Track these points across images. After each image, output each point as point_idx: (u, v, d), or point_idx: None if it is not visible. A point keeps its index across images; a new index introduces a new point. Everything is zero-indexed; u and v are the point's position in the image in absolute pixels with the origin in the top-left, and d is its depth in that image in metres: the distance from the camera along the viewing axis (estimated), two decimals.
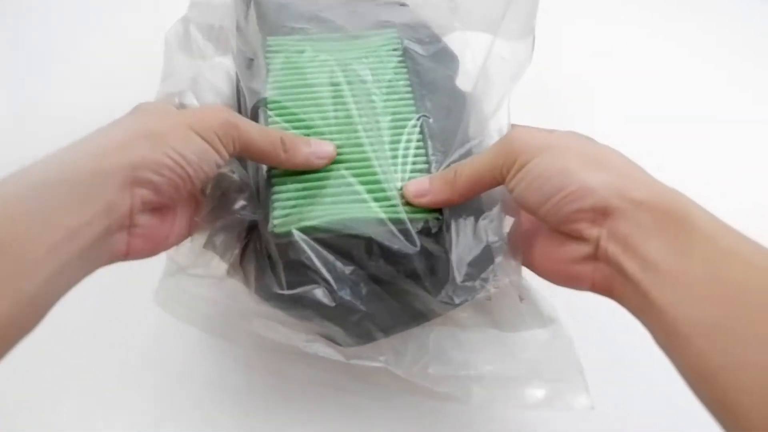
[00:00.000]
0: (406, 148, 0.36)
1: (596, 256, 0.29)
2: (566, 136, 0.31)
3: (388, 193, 0.34)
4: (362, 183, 0.35)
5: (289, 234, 0.32)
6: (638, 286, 0.27)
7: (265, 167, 0.35)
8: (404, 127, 0.37)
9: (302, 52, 0.40)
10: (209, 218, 0.34)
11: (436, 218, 0.33)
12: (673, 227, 0.26)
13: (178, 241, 0.34)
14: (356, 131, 0.37)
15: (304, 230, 0.32)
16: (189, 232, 0.34)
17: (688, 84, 0.61)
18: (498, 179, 0.31)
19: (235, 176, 0.35)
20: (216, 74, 0.41)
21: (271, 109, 0.37)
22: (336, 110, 0.37)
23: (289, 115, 0.37)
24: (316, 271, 0.32)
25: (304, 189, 0.35)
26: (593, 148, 0.30)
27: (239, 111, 0.39)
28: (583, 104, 0.57)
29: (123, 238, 0.30)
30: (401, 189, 0.34)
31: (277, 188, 0.35)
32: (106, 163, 0.27)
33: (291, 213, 0.34)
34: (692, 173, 0.44)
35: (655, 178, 0.28)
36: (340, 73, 0.39)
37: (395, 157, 0.36)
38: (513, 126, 0.37)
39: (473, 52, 0.41)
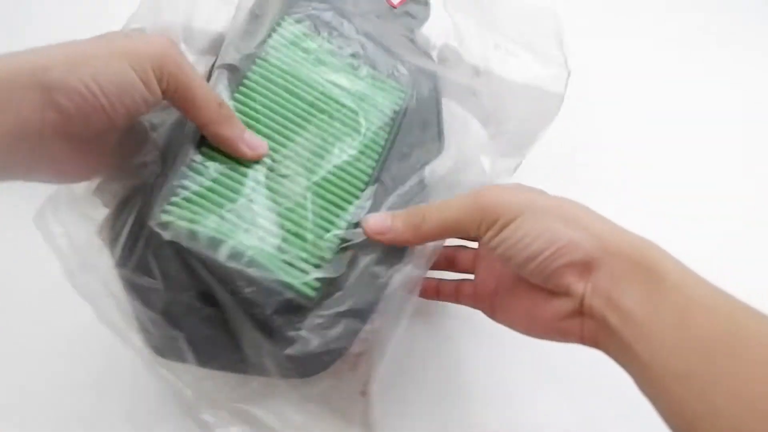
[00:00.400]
0: (343, 212, 0.35)
1: (582, 311, 0.29)
2: (541, 195, 0.31)
3: (293, 248, 0.32)
4: (279, 218, 0.33)
5: (167, 227, 0.31)
6: (621, 338, 0.27)
7: (192, 147, 0.32)
8: (356, 191, 0.35)
9: (305, 53, 0.38)
10: (113, 163, 0.32)
11: (316, 290, 0.32)
12: (645, 277, 0.27)
13: (87, 178, 0.32)
14: (307, 170, 0.34)
15: (185, 234, 0.31)
16: (98, 172, 0.32)
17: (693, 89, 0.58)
18: (469, 234, 0.32)
19: (152, 132, 0.33)
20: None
21: (238, 86, 0.35)
22: (298, 134, 0.35)
23: (250, 107, 0.35)
24: (165, 278, 0.31)
25: (214, 189, 0.32)
26: (567, 206, 0.30)
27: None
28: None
29: (32, 157, 0.28)
30: (310, 249, 0.33)
31: (191, 173, 0.32)
32: (25, 78, 0.26)
33: (186, 207, 0.31)
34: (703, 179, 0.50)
35: (625, 228, 0.29)
36: (326, 100, 0.37)
37: (329, 219, 0.34)
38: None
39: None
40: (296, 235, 0.33)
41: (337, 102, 0.37)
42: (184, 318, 0.31)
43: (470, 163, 0.38)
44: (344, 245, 0.34)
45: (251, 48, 0.36)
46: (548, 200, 0.31)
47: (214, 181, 0.33)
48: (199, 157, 0.33)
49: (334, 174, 0.35)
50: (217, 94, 0.32)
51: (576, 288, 0.29)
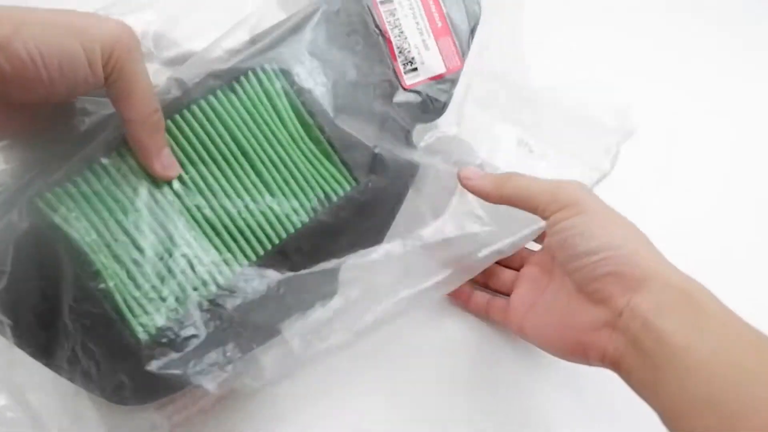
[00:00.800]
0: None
1: (614, 325, 0.29)
2: (617, 214, 0.32)
3: (153, 287, 0.31)
4: (156, 252, 0.31)
5: (36, 212, 0.30)
6: (652, 359, 0.27)
7: (104, 147, 0.31)
8: (250, 255, 0.34)
9: (270, 103, 0.35)
10: (30, 128, 0.31)
11: (150, 336, 0.31)
12: (690, 309, 0.27)
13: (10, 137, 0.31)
14: (208, 215, 0.33)
15: (48, 226, 0.30)
16: (14, 134, 0.31)
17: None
18: (538, 209, 0.33)
19: (79, 115, 0.32)
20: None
21: (186, 106, 0.33)
22: (216, 177, 0.33)
23: (181, 130, 0.33)
24: (15, 261, 0.29)
25: (103, 198, 0.31)
26: (637, 230, 0.31)
27: None
28: None
29: None
30: (170, 293, 0.32)
31: (88, 172, 0.31)
32: None
33: (66, 203, 0.30)
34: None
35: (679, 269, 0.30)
36: (263, 157, 0.34)
37: (206, 274, 0.33)
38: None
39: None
40: (163, 276, 0.32)
41: (272, 163, 0.35)
42: (15, 307, 0.30)
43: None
44: (209, 307, 0.32)
45: (220, 69, 0.34)
46: (622, 217, 0.32)
47: (108, 189, 0.31)
48: (106, 160, 0.31)
49: (235, 229, 0.34)
50: (156, 100, 0.31)
51: (617, 301, 0.29)
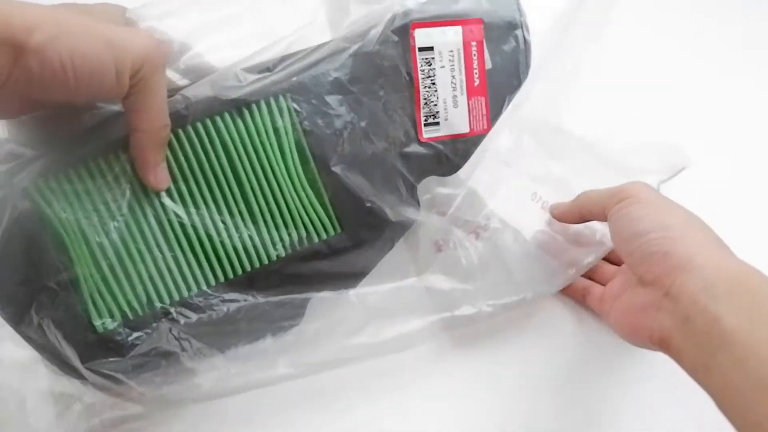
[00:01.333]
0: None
1: (660, 304, 0.30)
2: (675, 204, 0.33)
3: (119, 288, 0.32)
4: (129, 255, 0.32)
5: (25, 195, 0.31)
6: (706, 342, 0.27)
7: (104, 146, 0.32)
8: (210, 281, 0.34)
9: (276, 135, 0.34)
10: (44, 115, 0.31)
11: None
12: (746, 293, 0.27)
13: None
14: (187, 232, 0.33)
15: (33, 211, 0.31)
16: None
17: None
18: (605, 210, 0.35)
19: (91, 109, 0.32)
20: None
21: (188, 123, 0.33)
22: (205, 197, 0.34)
23: (180, 146, 0.33)
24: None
25: (93, 195, 0.32)
26: (695, 217, 0.32)
27: None
28: None
29: None
30: (134, 297, 0.33)
31: (83, 169, 0.31)
32: (6, 31, 0.25)
33: (58, 193, 0.31)
34: None
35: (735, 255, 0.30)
36: (255, 186, 0.34)
37: (166, 287, 0.33)
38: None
39: None
40: (131, 279, 0.33)
41: (262, 194, 0.35)
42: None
43: None
44: (166, 318, 0.33)
45: (228, 97, 0.33)
46: (680, 207, 0.32)
47: (98, 189, 0.32)
48: (103, 161, 0.32)
49: (210, 249, 0.34)
50: (168, 116, 0.31)
51: (663, 280, 0.29)
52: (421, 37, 0.37)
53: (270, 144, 0.34)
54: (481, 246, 0.41)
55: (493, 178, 0.42)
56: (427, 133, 0.39)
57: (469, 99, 0.39)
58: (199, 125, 0.33)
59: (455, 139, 0.39)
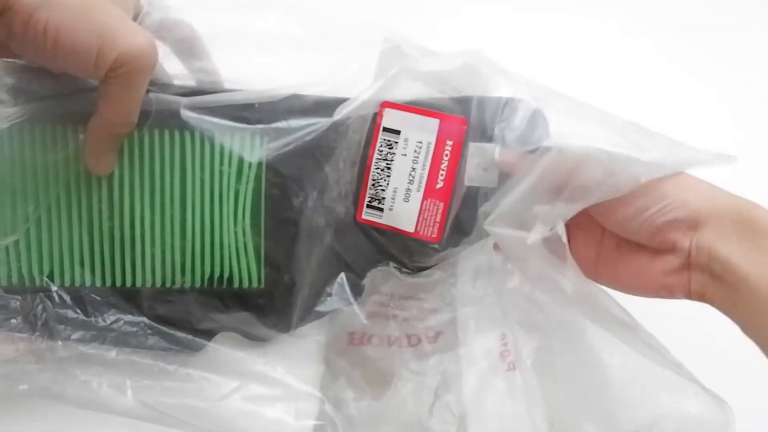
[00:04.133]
0: None
1: (689, 265, 0.31)
2: None
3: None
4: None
5: None
6: (727, 282, 0.29)
7: (60, 117, 0.33)
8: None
9: (253, 177, 0.35)
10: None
11: None
12: (747, 233, 0.29)
13: None
14: (125, 228, 0.34)
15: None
16: None
17: None
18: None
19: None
20: None
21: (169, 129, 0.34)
22: (160, 199, 0.34)
23: (154, 150, 0.34)
24: None
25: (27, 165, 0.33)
26: (684, 174, 0.32)
27: None
28: None
29: None
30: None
31: (24, 132, 0.32)
32: None
33: (23, 137, 0.33)
34: None
35: (731, 192, 0.31)
36: (189, 204, 0.35)
37: None
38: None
39: None
40: (32, 246, 0.34)
41: (201, 219, 0.35)
42: None
43: None
44: (42, 292, 0.35)
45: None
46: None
47: (46, 151, 0.33)
48: (60, 128, 0.33)
49: (119, 249, 0.35)
50: (136, 117, 0.32)
51: (682, 243, 0.31)
52: (390, 117, 0.35)
53: (229, 175, 0.35)
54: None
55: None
56: (366, 215, 0.36)
57: (424, 199, 0.35)
58: (172, 133, 0.34)
59: (407, 236, 0.36)
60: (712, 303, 0.31)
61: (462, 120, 0.34)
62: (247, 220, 0.35)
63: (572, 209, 0.31)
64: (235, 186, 0.35)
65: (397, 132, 0.35)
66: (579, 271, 0.32)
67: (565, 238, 0.32)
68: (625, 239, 0.33)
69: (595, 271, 0.35)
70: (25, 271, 0.34)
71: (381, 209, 0.36)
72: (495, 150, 0.33)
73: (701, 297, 0.31)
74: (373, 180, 0.35)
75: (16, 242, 0.34)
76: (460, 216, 0.35)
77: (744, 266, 0.29)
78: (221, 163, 0.35)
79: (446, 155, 0.35)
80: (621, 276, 0.34)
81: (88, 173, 0.33)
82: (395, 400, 0.36)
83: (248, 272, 0.36)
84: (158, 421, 0.34)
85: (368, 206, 0.36)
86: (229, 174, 0.35)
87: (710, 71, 0.52)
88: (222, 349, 0.37)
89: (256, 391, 0.35)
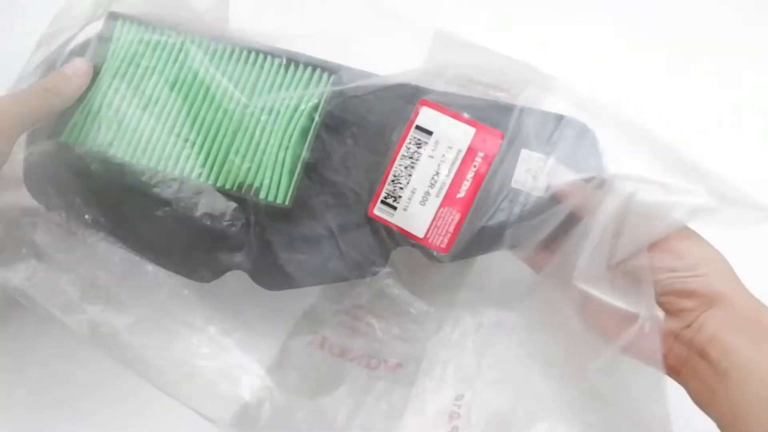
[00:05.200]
0: None
1: (678, 334, 0.30)
2: (697, 234, 0.32)
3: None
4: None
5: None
6: (716, 367, 0.29)
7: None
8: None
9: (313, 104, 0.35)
10: None
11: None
12: (758, 330, 0.29)
13: None
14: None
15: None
16: None
17: None
18: None
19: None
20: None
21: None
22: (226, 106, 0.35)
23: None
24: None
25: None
26: (716, 252, 0.31)
27: None
28: None
29: None
30: None
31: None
32: None
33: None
34: None
35: (750, 292, 0.31)
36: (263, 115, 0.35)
37: None
38: None
39: None
40: (111, 124, 0.36)
41: (256, 122, 0.35)
42: None
43: None
44: None
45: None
46: (702, 238, 0.32)
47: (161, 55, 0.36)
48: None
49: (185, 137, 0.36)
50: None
51: (687, 315, 0.30)
52: (426, 117, 0.34)
53: (290, 103, 0.35)
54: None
55: None
56: (378, 210, 0.34)
57: (442, 206, 0.33)
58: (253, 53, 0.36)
59: (402, 234, 0.34)
60: (686, 382, 0.30)
61: (499, 134, 0.33)
62: (295, 138, 0.35)
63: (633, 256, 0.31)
64: (292, 112, 0.35)
65: (430, 132, 0.34)
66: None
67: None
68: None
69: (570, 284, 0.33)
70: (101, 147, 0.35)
71: (395, 207, 0.34)
72: (547, 161, 0.32)
73: (675, 371, 0.31)
74: (394, 176, 0.34)
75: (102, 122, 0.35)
76: (479, 235, 0.33)
77: (749, 361, 0.28)
78: (287, 88, 0.35)
79: (474, 166, 0.33)
80: (602, 313, 0.32)
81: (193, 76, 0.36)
82: (330, 407, 0.35)
83: (278, 186, 0.34)
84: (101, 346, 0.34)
85: (383, 202, 0.34)
86: (290, 102, 0.35)
87: None
88: (193, 299, 0.36)
89: (205, 349, 0.35)
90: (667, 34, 0.49)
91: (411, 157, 0.34)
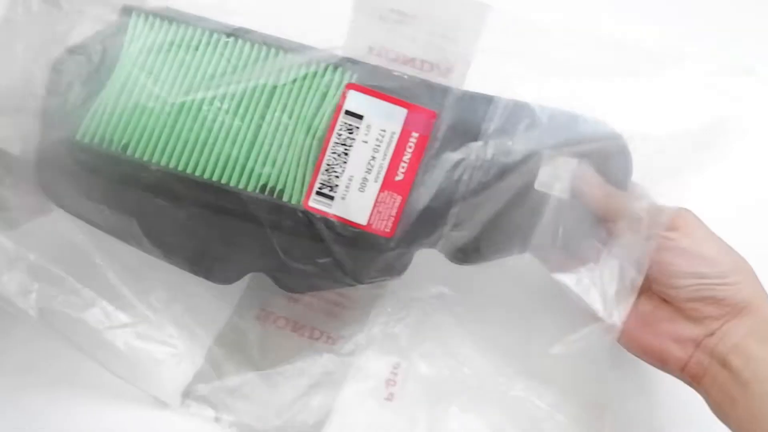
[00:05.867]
0: None
1: (700, 342, 0.30)
2: (723, 241, 0.32)
3: None
4: None
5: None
6: (739, 377, 0.29)
7: None
8: None
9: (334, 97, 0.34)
10: None
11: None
12: None
13: None
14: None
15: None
16: None
17: None
18: (639, 226, 0.32)
19: None
20: None
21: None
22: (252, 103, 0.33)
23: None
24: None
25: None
26: (743, 261, 0.31)
27: None
28: None
29: None
30: None
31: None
32: None
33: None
34: None
35: None
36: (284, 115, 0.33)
37: None
38: None
39: None
40: (133, 121, 0.34)
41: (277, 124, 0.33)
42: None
43: None
44: None
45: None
46: (729, 246, 0.32)
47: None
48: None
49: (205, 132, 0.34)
50: None
51: (712, 323, 0.30)
52: (354, 101, 0.33)
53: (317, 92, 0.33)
54: None
55: None
56: (314, 202, 0.33)
57: (381, 190, 0.33)
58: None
59: (343, 223, 0.32)
60: (706, 390, 0.30)
61: (431, 113, 0.33)
62: (319, 134, 0.33)
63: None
64: (315, 110, 0.33)
65: (360, 117, 0.33)
66: None
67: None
68: (648, 294, 0.32)
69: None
70: (119, 145, 0.33)
71: (332, 197, 0.33)
72: (574, 164, 0.32)
73: (696, 379, 0.30)
74: (328, 165, 0.33)
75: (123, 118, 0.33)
76: (422, 216, 0.33)
77: (766, 362, 0.28)
78: (311, 82, 0.33)
79: (410, 147, 0.33)
80: (632, 323, 0.32)
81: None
82: (273, 378, 0.36)
83: (298, 186, 0.33)
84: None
85: (318, 193, 0.33)
86: (318, 90, 0.33)
87: None
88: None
89: (148, 328, 0.35)
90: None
91: (344, 144, 0.33)
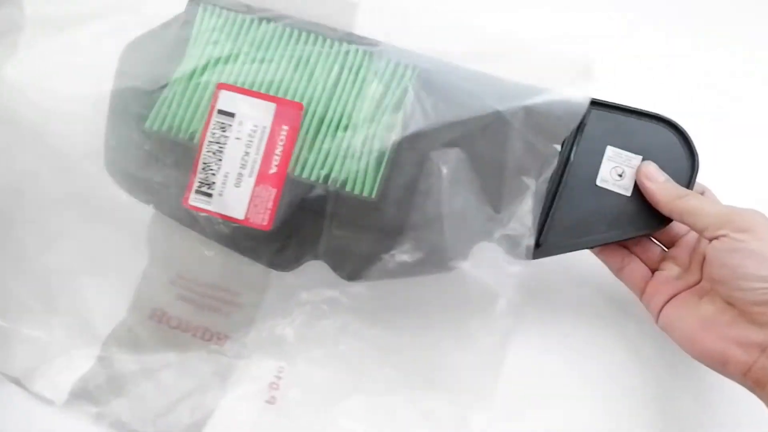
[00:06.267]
0: None
1: (767, 348, 0.30)
2: None
3: None
4: None
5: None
6: None
7: None
8: None
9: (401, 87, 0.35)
10: None
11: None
12: None
13: None
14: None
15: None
16: None
17: None
18: (705, 230, 0.32)
19: None
20: None
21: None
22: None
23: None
24: None
25: None
26: None
27: None
28: None
29: None
30: None
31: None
32: None
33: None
34: None
35: None
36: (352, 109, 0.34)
37: None
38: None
39: None
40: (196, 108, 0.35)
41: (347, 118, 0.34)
42: None
43: None
44: None
45: None
46: None
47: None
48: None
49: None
50: None
51: None
52: (226, 100, 0.34)
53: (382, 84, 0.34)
54: None
55: None
56: (193, 200, 0.33)
57: (256, 184, 0.33)
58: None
59: (235, 223, 0.33)
60: None
61: (299, 105, 0.34)
62: (385, 119, 0.34)
63: None
64: (378, 103, 0.34)
65: (232, 114, 0.34)
66: None
67: None
68: (712, 297, 0.32)
69: (664, 305, 0.34)
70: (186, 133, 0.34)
71: (210, 195, 0.33)
72: (637, 161, 0.35)
73: (759, 384, 0.30)
74: (204, 163, 0.33)
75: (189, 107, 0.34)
76: (300, 208, 0.33)
77: None
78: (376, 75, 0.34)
79: (281, 141, 0.33)
80: (686, 323, 0.33)
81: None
82: (159, 378, 0.36)
83: (365, 177, 0.33)
84: None
85: (197, 191, 0.34)
86: (383, 82, 0.34)
87: None
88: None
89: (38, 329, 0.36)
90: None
91: (218, 142, 0.34)
